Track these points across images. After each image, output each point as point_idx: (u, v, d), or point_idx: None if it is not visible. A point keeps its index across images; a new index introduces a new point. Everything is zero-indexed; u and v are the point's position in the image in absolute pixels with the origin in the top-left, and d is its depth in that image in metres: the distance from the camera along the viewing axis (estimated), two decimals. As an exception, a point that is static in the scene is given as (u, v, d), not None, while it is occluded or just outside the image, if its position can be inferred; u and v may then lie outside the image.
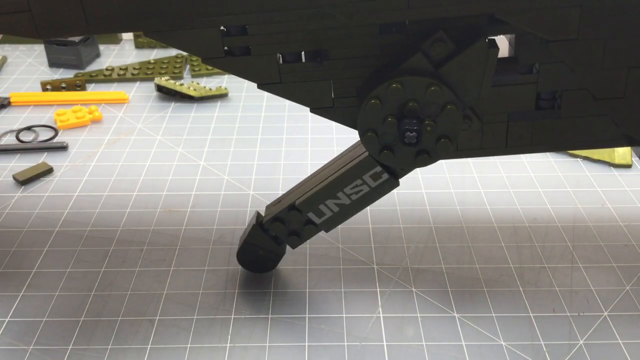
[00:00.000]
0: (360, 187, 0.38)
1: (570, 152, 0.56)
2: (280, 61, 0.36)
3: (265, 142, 0.60)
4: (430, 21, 0.33)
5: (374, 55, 0.35)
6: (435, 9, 0.33)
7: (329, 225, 0.40)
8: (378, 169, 0.37)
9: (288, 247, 0.44)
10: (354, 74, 0.36)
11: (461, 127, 0.35)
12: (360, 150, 0.38)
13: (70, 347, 0.38)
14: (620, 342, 0.38)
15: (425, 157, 0.35)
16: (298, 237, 0.40)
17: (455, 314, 0.40)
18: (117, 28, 0.34)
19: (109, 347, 0.38)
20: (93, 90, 0.71)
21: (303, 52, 0.36)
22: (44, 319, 0.40)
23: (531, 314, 0.40)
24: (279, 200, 0.42)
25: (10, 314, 0.41)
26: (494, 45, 0.34)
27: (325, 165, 0.41)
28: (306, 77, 0.36)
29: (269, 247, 0.42)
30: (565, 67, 0.35)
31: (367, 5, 0.33)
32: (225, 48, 0.35)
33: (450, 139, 0.35)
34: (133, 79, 0.73)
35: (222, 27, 0.35)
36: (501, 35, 0.36)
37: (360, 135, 0.35)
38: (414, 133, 0.34)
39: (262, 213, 0.43)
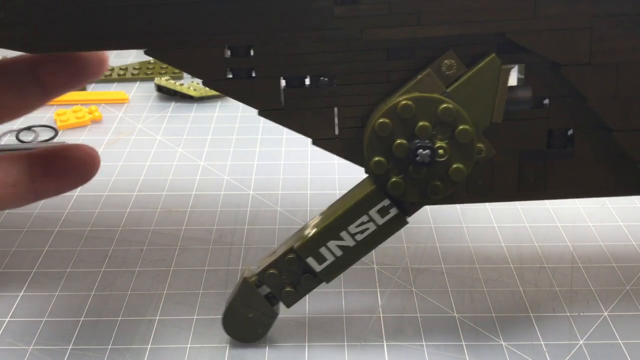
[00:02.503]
0: (366, 224, 0.35)
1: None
2: (283, 86, 0.35)
3: (265, 142, 0.60)
4: (439, 46, 0.33)
5: (381, 82, 0.34)
6: (445, 26, 0.32)
7: (330, 273, 0.36)
8: (386, 202, 0.34)
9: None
10: (360, 102, 0.34)
11: (475, 152, 0.33)
12: (366, 183, 0.35)
13: (70, 347, 0.38)
14: (620, 342, 0.38)
15: (437, 187, 0.33)
16: (295, 290, 0.36)
17: (455, 314, 0.40)
18: (118, 44, 0.33)
19: (109, 347, 0.38)
20: (93, 90, 0.71)
21: (308, 78, 0.35)
22: (44, 319, 0.40)
23: (531, 314, 0.40)
24: (273, 252, 0.37)
25: (10, 314, 0.41)
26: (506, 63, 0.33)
27: (323, 211, 0.37)
28: (310, 103, 0.34)
29: (261, 308, 0.37)
30: (578, 102, 0.34)
31: (377, 22, 0.32)
32: (228, 71, 0.34)
33: (464, 166, 0.33)
34: (133, 79, 0.73)
35: (226, 49, 0.34)
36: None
37: (367, 162, 0.33)
38: (427, 151, 0.32)
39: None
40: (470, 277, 0.43)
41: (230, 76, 0.34)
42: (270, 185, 0.54)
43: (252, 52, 0.34)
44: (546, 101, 0.34)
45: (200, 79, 0.34)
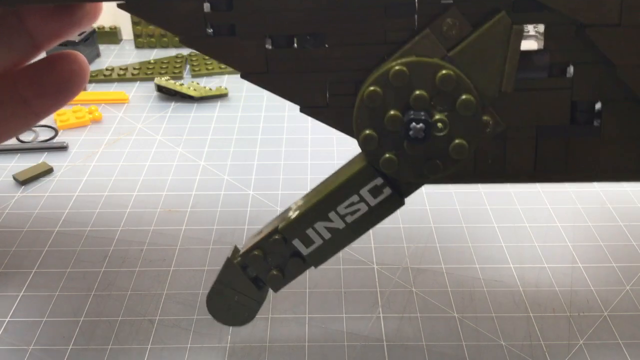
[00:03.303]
0: (356, 205, 0.31)
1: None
2: (269, 47, 0.31)
3: (265, 142, 0.60)
4: (443, 3, 0.28)
5: (377, 43, 0.29)
6: None
7: (319, 257, 0.32)
8: (379, 181, 0.30)
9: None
10: (354, 66, 0.30)
11: (480, 126, 0.28)
12: (357, 159, 0.31)
13: (70, 347, 0.38)
14: (620, 342, 0.38)
15: (436, 165, 0.29)
16: (282, 274, 0.33)
17: (455, 314, 0.40)
18: None
19: (109, 347, 0.38)
20: (93, 90, 0.71)
21: (296, 38, 0.31)
22: (44, 319, 0.40)
23: (531, 314, 0.40)
24: (259, 231, 0.34)
25: (10, 314, 0.41)
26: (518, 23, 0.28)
27: (317, 185, 0.34)
28: (297, 66, 0.30)
29: (247, 291, 0.34)
30: (606, 71, 0.30)
31: None
32: (209, 28, 0.30)
33: (466, 142, 0.28)
34: (133, 79, 0.73)
35: (206, 3, 0.30)
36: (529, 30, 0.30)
37: (357, 135, 0.29)
38: (421, 124, 0.27)
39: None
40: (470, 277, 0.43)
41: (211, 32, 0.31)
42: (270, 185, 0.54)
43: (233, 7, 0.30)
44: (570, 69, 0.30)
45: (178, 35, 0.31)
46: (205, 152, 0.59)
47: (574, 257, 0.45)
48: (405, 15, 0.29)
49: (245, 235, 0.47)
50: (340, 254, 0.45)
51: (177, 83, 0.69)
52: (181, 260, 0.45)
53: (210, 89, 0.68)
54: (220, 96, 0.68)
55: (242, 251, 0.33)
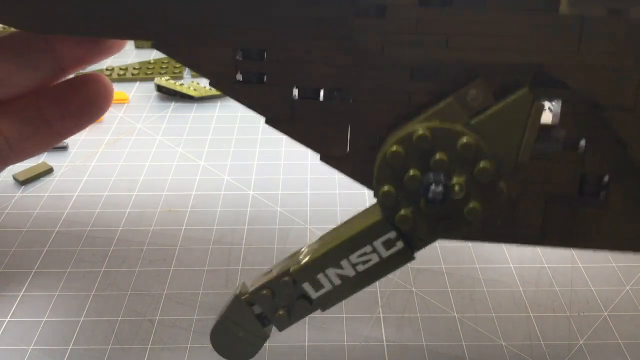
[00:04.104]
0: (369, 255, 0.32)
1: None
2: (296, 97, 0.32)
3: (265, 142, 0.60)
4: (468, 70, 0.30)
5: (401, 103, 0.31)
6: (475, 52, 0.29)
7: (327, 302, 0.33)
8: (392, 234, 0.31)
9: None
10: (376, 122, 0.31)
11: (496, 194, 0.29)
12: (374, 211, 0.32)
13: (70, 347, 0.38)
14: (620, 342, 0.38)
15: (450, 225, 0.30)
16: (288, 314, 0.33)
17: (455, 314, 0.40)
18: (127, 34, 0.32)
19: (109, 347, 0.38)
20: (93, 90, 0.71)
21: (322, 90, 0.32)
22: (44, 319, 0.40)
23: (531, 314, 0.40)
24: (269, 271, 0.35)
25: (10, 314, 0.41)
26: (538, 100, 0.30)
27: (324, 235, 0.35)
28: (321, 117, 0.32)
29: (253, 328, 0.34)
30: (616, 148, 0.31)
31: (400, 40, 0.30)
32: (238, 73, 0.32)
33: (481, 206, 0.29)
34: (133, 79, 0.73)
35: (239, 52, 0.32)
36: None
37: (376, 190, 0.30)
38: (440, 188, 0.29)
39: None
40: (470, 277, 0.43)
41: (240, 79, 0.32)
42: (270, 185, 0.54)
43: (265, 57, 0.32)
44: (582, 143, 0.31)
45: (209, 79, 0.33)
46: (205, 152, 0.59)
47: (574, 257, 0.45)
48: (429, 79, 0.30)
49: (245, 235, 0.48)
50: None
51: (177, 83, 0.69)
52: (181, 260, 0.45)
53: (211, 89, 0.68)
54: (221, 96, 0.68)
55: (251, 289, 0.34)
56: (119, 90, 0.71)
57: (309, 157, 0.57)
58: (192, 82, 0.70)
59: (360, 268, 0.32)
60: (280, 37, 0.31)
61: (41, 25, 0.32)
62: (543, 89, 0.30)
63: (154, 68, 0.74)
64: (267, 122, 0.33)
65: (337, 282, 0.32)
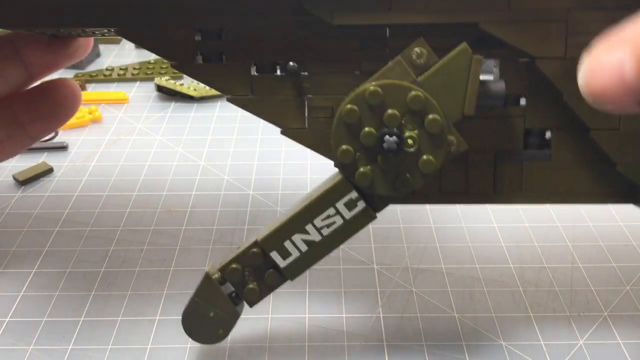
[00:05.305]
0: (332, 218, 0.33)
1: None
2: (254, 72, 0.34)
3: (265, 142, 0.60)
4: (412, 37, 0.32)
5: (352, 72, 0.33)
6: (416, 14, 0.32)
7: (295, 269, 0.34)
8: (354, 194, 0.33)
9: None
10: (331, 92, 0.34)
11: (446, 144, 0.31)
12: (334, 176, 0.34)
13: (70, 347, 0.38)
14: (620, 342, 0.38)
15: (406, 179, 0.31)
16: (258, 288, 0.34)
17: (455, 314, 0.40)
18: (89, 22, 0.33)
19: (109, 347, 0.38)
20: (93, 90, 0.71)
21: (278, 65, 0.34)
22: (44, 319, 0.40)
23: (531, 314, 0.40)
24: (237, 247, 0.36)
25: (10, 314, 0.41)
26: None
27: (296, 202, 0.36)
28: (279, 91, 0.34)
29: (223, 307, 0.35)
30: (556, 102, 0.33)
31: (347, 6, 0.32)
32: (198, 54, 0.34)
33: (434, 157, 0.31)
34: (133, 79, 0.73)
35: (197, 33, 0.33)
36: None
37: (334, 150, 0.32)
38: (394, 137, 0.30)
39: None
40: (470, 277, 0.43)
41: (200, 60, 0.34)
42: (270, 185, 0.54)
43: (222, 36, 0.33)
44: (523, 100, 0.34)
45: (170, 61, 0.34)
46: (205, 152, 0.59)
47: (574, 257, 0.45)
48: (378, 47, 0.33)
49: (245, 235, 0.48)
50: (340, 254, 0.45)
51: (177, 83, 0.69)
52: (181, 260, 0.45)
53: (211, 89, 0.68)
54: (220, 96, 0.68)
55: (220, 265, 0.34)
56: (119, 90, 0.71)
57: (309, 157, 0.57)
58: (192, 82, 0.70)
59: (326, 231, 0.33)
60: (236, 17, 0.33)
61: (5, 20, 0.33)
62: (482, 49, 0.32)
63: (154, 68, 0.74)
64: (228, 99, 0.34)
65: (304, 248, 0.34)
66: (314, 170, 0.55)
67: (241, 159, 0.57)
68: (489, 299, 0.41)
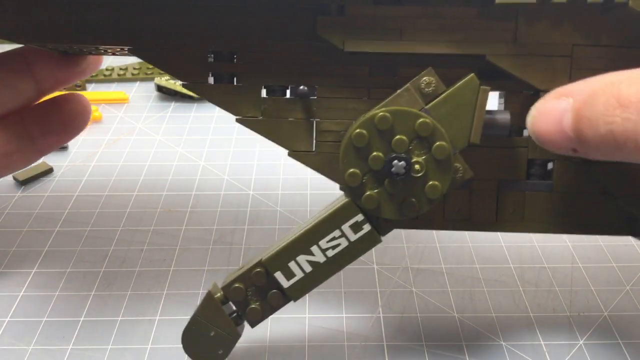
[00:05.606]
0: (337, 240, 0.33)
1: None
2: (264, 94, 0.35)
3: (265, 142, 0.60)
4: (421, 66, 0.32)
5: (361, 98, 0.34)
6: (425, 44, 0.32)
7: (299, 290, 0.34)
8: (359, 217, 0.33)
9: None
10: (339, 117, 0.34)
11: (452, 170, 0.32)
12: (341, 198, 0.34)
13: (70, 347, 0.38)
14: (620, 342, 0.38)
15: (412, 204, 0.32)
16: (260, 308, 0.34)
17: (455, 314, 0.40)
18: (103, 40, 0.34)
19: (109, 347, 0.38)
20: (93, 90, 0.71)
21: (289, 89, 0.35)
22: (44, 319, 0.40)
23: (531, 314, 0.40)
24: (241, 266, 0.36)
25: (10, 314, 0.41)
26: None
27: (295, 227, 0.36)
28: (288, 114, 0.35)
29: (224, 327, 0.35)
30: None
31: (359, 34, 0.32)
32: (210, 75, 0.34)
33: (440, 183, 0.31)
34: (133, 79, 0.73)
35: (210, 54, 0.34)
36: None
37: (342, 173, 0.32)
38: (402, 162, 0.31)
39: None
40: (470, 277, 0.43)
41: (212, 81, 0.35)
42: (270, 185, 0.54)
43: (235, 59, 0.34)
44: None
45: (182, 80, 0.35)
46: (205, 152, 0.59)
47: (574, 257, 0.45)
48: (387, 74, 0.34)
49: (245, 235, 0.48)
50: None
51: (177, 83, 0.69)
52: (181, 260, 0.45)
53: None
54: (220, 96, 0.68)
55: (223, 284, 0.34)
56: (119, 90, 0.71)
57: (309, 157, 0.57)
58: (192, 82, 0.70)
59: (330, 253, 0.34)
60: (250, 40, 0.33)
61: (21, 34, 0.34)
62: (489, 80, 0.33)
63: (154, 68, 0.74)
64: (237, 120, 0.35)
65: (308, 269, 0.34)
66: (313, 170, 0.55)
67: (241, 159, 0.57)
68: (488, 299, 0.41)
